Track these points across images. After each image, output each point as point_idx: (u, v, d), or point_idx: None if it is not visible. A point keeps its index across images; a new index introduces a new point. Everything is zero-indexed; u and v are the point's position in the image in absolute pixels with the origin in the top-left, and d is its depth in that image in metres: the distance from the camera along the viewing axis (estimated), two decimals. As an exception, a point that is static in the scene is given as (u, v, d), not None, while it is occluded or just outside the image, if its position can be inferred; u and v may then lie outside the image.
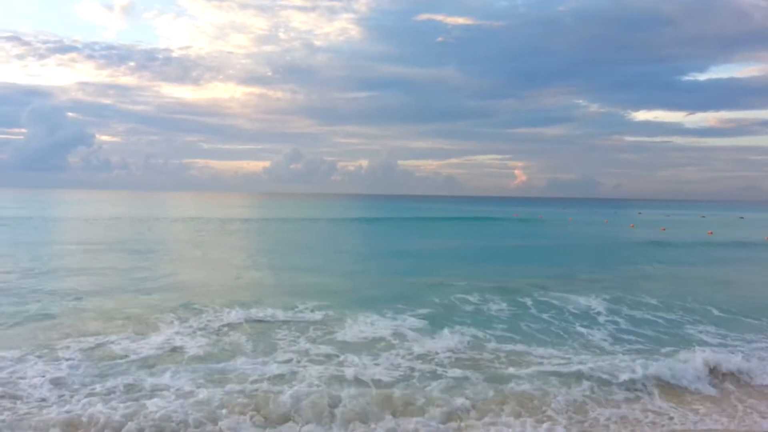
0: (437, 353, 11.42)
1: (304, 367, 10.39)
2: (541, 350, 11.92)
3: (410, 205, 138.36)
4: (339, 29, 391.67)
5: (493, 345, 12.26)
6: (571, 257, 30.16)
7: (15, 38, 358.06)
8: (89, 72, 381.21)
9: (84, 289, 17.62)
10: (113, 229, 43.12)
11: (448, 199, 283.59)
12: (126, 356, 10.80)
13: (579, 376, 10.10)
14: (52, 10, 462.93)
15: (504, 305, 16.44)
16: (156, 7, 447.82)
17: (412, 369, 10.49)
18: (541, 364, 10.96)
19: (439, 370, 10.45)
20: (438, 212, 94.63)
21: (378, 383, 9.68)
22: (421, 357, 11.22)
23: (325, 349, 11.64)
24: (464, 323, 14.14)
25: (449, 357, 11.22)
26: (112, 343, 11.59)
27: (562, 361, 11.06)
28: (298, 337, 12.45)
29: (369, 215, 77.45)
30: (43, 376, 9.49)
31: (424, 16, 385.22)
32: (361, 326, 13.42)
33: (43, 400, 8.55)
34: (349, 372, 10.05)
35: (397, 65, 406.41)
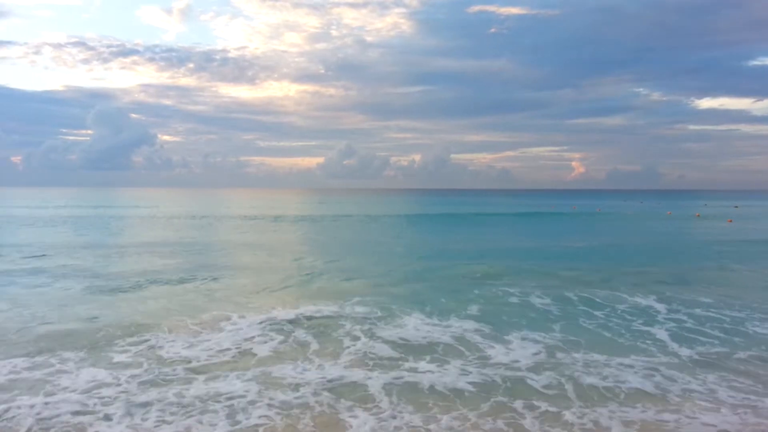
0: (517, 361, 11.12)
1: (371, 371, 10.42)
2: (627, 359, 11.30)
3: (464, 200, 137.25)
4: (390, 24, 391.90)
5: (566, 352, 11.81)
6: (634, 253, 29.26)
7: (81, 43, 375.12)
8: (150, 74, 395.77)
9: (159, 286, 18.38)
10: (186, 227, 44.67)
11: (502, 193, 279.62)
12: (185, 360, 11.19)
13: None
14: (115, 16, 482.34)
15: (569, 306, 16.11)
16: (212, 8, 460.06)
17: (489, 377, 10.24)
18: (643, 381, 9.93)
19: (520, 378, 10.25)
20: (492, 207, 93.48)
21: (460, 394, 9.39)
22: (495, 364, 11.02)
23: (389, 351, 11.61)
24: (526, 325, 13.90)
25: (519, 364, 11.04)
26: (172, 342, 12.05)
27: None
28: (358, 338, 12.50)
29: (422, 211, 77.26)
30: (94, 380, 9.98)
31: (476, 8, 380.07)
32: (419, 326, 13.42)
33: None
34: (425, 380, 9.89)
35: (449, 58, 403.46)
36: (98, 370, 10.14)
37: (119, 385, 9.46)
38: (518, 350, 11.65)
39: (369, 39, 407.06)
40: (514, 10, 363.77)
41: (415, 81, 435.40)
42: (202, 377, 9.88)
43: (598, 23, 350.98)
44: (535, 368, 10.52)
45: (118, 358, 10.91)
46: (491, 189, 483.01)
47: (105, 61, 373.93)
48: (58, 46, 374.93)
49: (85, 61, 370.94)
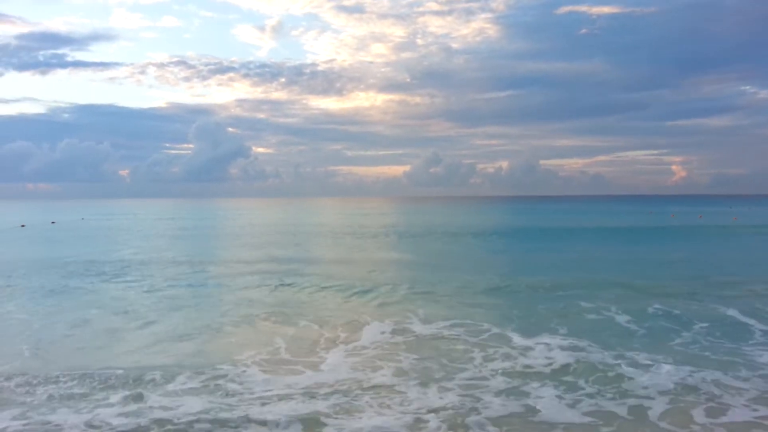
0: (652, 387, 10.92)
1: (487, 398, 10.50)
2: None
3: (555, 207, 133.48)
4: (476, 30, 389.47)
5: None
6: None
7: (182, 62, 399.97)
8: (246, 89, 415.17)
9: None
10: (288, 236, 46.54)
11: (595, 200, 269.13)
12: (304, 386, 11.72)
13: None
14: (213, 35, 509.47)
15: (690, 329, 15.44)
16: (302, 24, 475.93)
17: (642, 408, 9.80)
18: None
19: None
20: (587, 216, 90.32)
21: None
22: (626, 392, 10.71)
23: (510, 381, 11.51)
24: (642, 349, 13.47)
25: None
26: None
27: None
28: (472, 358, 12.56)
29: (510, 223, 75.97)
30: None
31: (565, 9, 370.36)
32: (534, 348, 13.29)
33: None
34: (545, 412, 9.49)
35: (538, 62, 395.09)
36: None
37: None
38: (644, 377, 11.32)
39: (455, 46, 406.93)
40: (606, 9, 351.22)
41: (502, 86, 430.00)
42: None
43: (698, 19, 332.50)
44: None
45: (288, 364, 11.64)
46: (583, 195, 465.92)
47: (204, 78, 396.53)
48: (161, 66, 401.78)
49: (186, 79, 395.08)
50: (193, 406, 9.86)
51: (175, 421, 9.23)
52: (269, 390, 10.64)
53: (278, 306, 18.72)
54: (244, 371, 11.74)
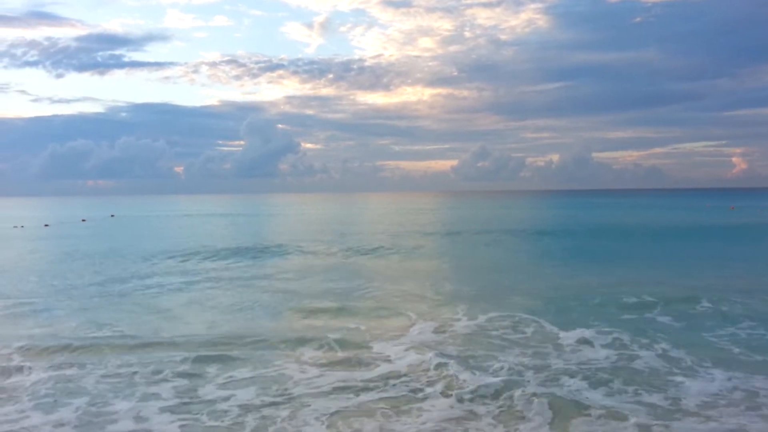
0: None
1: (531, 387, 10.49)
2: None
3: (606, 201, 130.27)
4: (525, 21, 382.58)
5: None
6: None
7: (233, 61, 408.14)
8: (294, 86, 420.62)
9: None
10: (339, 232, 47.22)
11: (651, 193, 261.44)
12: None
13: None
14: (262, 33, 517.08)
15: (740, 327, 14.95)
16: (350, 20, 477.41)
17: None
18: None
19: None
20: (637, 213, 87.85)
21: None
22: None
23: (551, 374, 11.62)
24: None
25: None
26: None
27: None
28: (515, 351, 12.52)
29: (559, 219, 74.66)
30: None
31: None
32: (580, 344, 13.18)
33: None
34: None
35: (590, 52, 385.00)
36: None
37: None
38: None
39: (503, 38, 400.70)
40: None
41: (552, 77, 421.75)
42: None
43: (755, 5, 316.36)
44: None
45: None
46: (638, 189, 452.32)
47: (254, 76, 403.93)
48: (213, 65, 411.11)
49: (237, 77, 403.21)
50: (245, 395, 10.24)
51: (227, 410, 9.63)
52: (323, 381, 10.92)
53: (328, 298, 19.07)
54: (299, 363, 12.06)
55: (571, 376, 11.01)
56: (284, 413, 9.46)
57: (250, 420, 9.23)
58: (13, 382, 11.03)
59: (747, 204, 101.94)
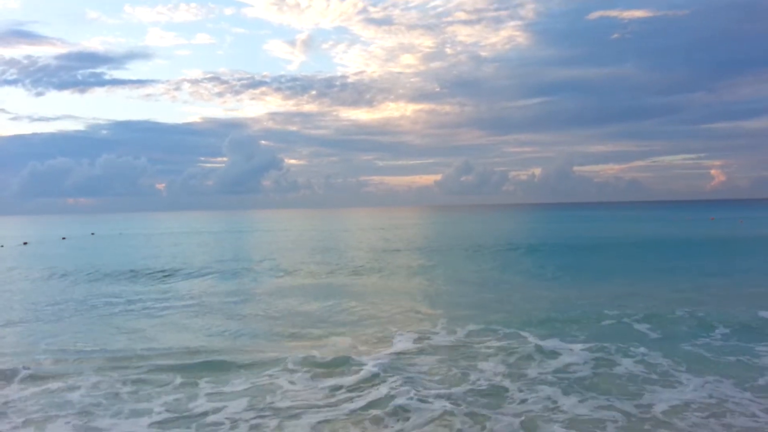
0: None
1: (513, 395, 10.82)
2: None
3: (588, 214, 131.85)
4: (505, 38, 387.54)
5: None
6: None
7: (215, 78, 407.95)
8: (277, 103, 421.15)
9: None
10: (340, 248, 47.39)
11: (631, 206, 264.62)
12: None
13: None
14: (244, 51, 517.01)
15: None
16: (332, 38, 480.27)
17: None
18: None
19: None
20: (619, 226, 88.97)
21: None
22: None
23: (531, 382, 11.99)
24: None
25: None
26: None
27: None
28: (496, 360, 12.85)
29: (541, 233, 75.42)
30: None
31: (596, 14, 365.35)
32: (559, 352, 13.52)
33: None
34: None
35: (569, 68, 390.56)
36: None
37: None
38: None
39: (484, 54, 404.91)
40: (638, 14, 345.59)
41: (533, 93, 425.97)
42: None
43: (732, 20, 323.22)
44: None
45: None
46: (619, 201, 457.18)
47: (237, 93, 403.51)
48: (195, 82, 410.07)
49: (220, 94, 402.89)
50: (235, 407, 10.48)
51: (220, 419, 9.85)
52: (310, 394, 11.18)
53: (299, 314, 19.30)
54: (288, 372, 12.31)
55: (549, 385, 11.41)
56: (273, 423, 9.73)
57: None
58: (1, 399, 11.15)
59: (726, 216, 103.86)
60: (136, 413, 10.34)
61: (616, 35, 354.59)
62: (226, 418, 10.03)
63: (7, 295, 24.84)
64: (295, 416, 10.04)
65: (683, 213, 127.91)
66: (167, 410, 10.45)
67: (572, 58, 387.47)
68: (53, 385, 11.93)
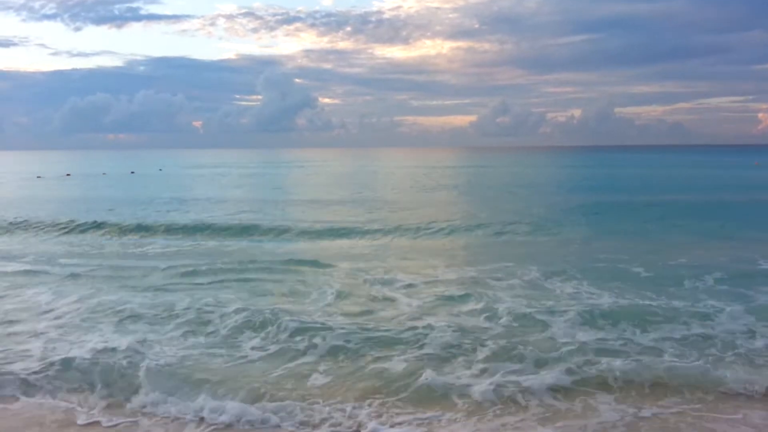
0: None
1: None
2: None
3: (627, 158, 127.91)
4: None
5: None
6: None
7: (250, 14, 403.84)
8: (312, 39, 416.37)
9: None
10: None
11: (674, 149, 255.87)
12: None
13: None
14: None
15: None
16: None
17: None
18: None
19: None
20: (660, 172, 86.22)
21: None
22: None
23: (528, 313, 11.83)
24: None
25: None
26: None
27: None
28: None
29: (574, 177, 73.73)
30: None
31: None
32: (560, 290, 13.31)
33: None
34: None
35: (617, 3, 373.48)
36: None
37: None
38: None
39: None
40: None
41: (577, 30, 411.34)
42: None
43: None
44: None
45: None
46: (661, 145, 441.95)
47: (271, 29, 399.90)
48: (230, 17, 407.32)
49: (254, 30, 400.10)
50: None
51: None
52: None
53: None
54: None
55: (565, 318, 11.23)
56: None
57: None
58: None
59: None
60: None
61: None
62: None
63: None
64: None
65: (727, 157, 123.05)
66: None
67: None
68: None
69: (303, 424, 7.34)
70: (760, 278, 14.45)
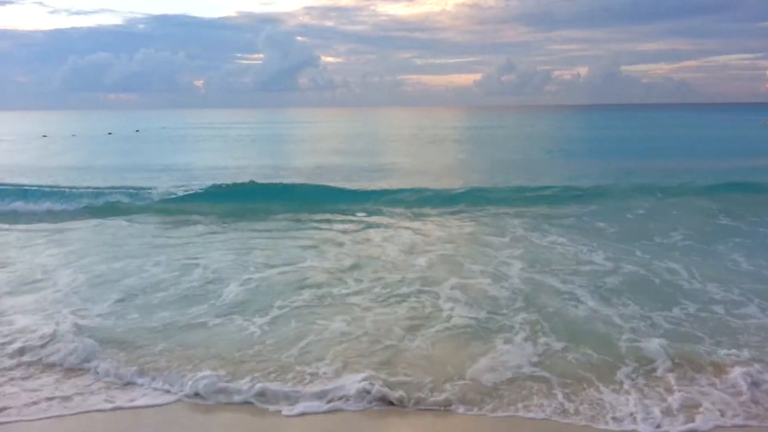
0: None
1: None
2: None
3: (634, 117, 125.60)
4: None
5: None
6: None
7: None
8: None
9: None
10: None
11: (680, 108, 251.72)
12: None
13: None
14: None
15: None
16: None
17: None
18: None
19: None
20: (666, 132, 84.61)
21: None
22: None
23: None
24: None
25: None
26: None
27: None
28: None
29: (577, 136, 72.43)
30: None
31: None
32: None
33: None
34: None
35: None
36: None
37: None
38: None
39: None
40: None
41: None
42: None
43: None
44: None
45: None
46: (667, 103, 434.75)
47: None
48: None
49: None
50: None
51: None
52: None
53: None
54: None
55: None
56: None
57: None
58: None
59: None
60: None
61: None
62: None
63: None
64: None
65: (734, 116, 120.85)
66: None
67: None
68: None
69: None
70: None
